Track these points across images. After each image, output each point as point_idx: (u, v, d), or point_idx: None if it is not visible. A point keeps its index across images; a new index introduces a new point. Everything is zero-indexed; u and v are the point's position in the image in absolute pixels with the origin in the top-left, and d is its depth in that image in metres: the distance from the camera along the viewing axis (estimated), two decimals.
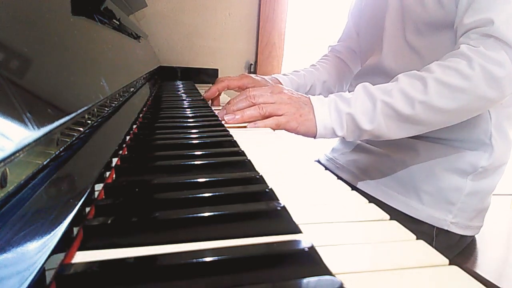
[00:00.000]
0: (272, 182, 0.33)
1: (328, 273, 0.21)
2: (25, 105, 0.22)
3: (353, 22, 0.98)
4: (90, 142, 0.35)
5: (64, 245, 0.22)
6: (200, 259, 0.21)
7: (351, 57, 1.00)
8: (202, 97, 0.86)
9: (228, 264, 0.21)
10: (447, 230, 0.72)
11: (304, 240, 0.23)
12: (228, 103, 0.67)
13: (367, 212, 0.30)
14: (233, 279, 0.20)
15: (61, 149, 0.27)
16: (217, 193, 0.30)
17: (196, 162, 0.37)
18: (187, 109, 0.70)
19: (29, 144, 0.21)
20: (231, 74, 0.84)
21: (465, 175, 0.71)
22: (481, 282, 0.20)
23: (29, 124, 0.22)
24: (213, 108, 0.74)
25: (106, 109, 0.44)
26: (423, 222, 0.73)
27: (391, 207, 0.75)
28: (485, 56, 0.58)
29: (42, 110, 0.25)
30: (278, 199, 0.30)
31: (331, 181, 0.37)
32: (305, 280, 0.20)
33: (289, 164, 0.42)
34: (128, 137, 0.48)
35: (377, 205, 0.30)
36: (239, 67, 1.52)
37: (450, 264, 0.22)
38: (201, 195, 0.29)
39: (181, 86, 1.15)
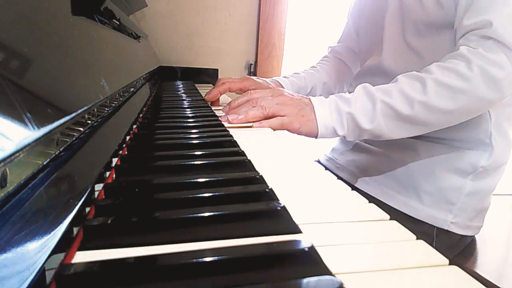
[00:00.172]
0: (272, 182, 0.33)
1: (328, 273, 0.21)
2: (25, 105, 0.22)
3: (353, 23, 0.98)
4: (90, 142, 0.35)
5: (64, 245, 0.22)
6: (200, 259, 0.21)
7: (351, 57, 1.00)
8: (202, 97, 0.86)
9: (228, 264, 0.21)
10: (447, 230, 0.72)
11: (304, 240, 0.23)
12: (229, 104, 0.67)
13: (367, 212, 0.30)
14: (233, 279, 0.20)
15: (61, 149, 0.27)
16: (217, 193, 0.30)
17: (196, 162, 0.37)
18: (187, 109, 0.70)
19: (29, 144, 0.21)
20: (231, 74, 0.85)
21: (465, 175, 0.71)
22: (481, 282, 0.20)
23: (29, 124, 0.22)
24: (213, 108, 0.74)
25: (106, 109, 0.44)
26: (423, 222, 0.73)
27: (391, 207, 0.75)
28: (484, 57, 0.58)
29: (42, 110, 0.25)
30: (278, 199, 0.30)
31: (331, 181, 0.37)
32: (305, 280, 0.20)
33: (289, 164, 0.42)
34: (128, 137, 0.48)
35: (377, 205, 0.30)
36: (239, 67, 1.52)
37: (450, 264, 0.22)
38: (201, 195, 0.29)
39: (181, 86, 1.15)
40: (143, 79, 0.84)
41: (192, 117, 0.63)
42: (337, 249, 0.24)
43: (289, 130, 0.64)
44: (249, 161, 0.39)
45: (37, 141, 0.23)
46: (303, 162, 0.42)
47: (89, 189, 0.28)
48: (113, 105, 0.48)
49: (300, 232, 0.25)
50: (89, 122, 0.36)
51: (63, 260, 0.21)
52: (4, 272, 0.16)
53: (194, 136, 0.50)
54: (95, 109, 0.38)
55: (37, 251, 0.18)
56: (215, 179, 0.33)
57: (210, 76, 1.39)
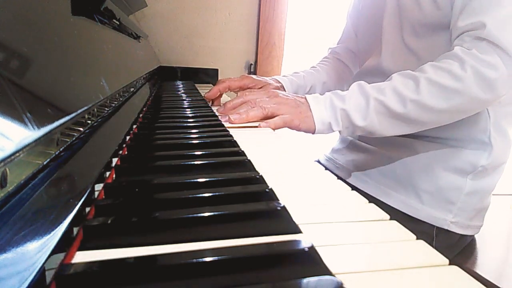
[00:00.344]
0: (272, 182, 0.33)
1: (328, 273, 0.21)
2: (25, 105, 0.22)
3: (352, 23, 0.98)
4: (90, 142, 0.35)
5: (64, 245, 0.22)
6: (200, 259, 0.21)
7: (350, 58, 1.00)
8: (202, 97, 0.86)
9: (228, 264, 0.21)
10: (447, 230, 0.72)
11: (304, 240, 0.23)
12: (224, 105, 0.68)
13: (367, 212, 0.30)
14: (233, 279, 0.20)
15: (61, 149, 0.27)
16: (217, 193, 0.30)
17: (196, 162, 0.37)
18: (187, 109, 0.70)
19: (29, 144, 0.21)
20: (231, 74, 0.85)
21: (464, 174, 0.71)
22: (481, 282, 0.20)
23: (29, 124, 0.22)
24: (213, 108, 0.74)
25: (106, 109, 0.44)
26: (423, 221, 0.73)
27: (391, 206, 0.76)
28: (478, 58, 0.59)
29: (42, 110, 0.25)
30: (278, 199, 0.30)
31: (331, 181, 0.37)
32: (305, 280, 0.20)
33: (289, 164, 0.42)
34: (128, 137, 0.48)
35: (376, 204, 0.30)
36: (239, 67, 1.52)
37: (450, 264, 0.22)
38: (201, 195, 0.29)
39: (181, 86, 1.15)
40: (143, 79, 0.84)
41: (192, 117, 0.63)
42: (337, 249, 0.24)
43: (290, 127, 0.65)
44: (249, 161, 0.39)
45: (37, 141, 0.23)
46: (303, 162, 0.42)
47: (89, 189, 0.28)
48: (113, 105, 0.48)
49: (300, 232, 0.25)
50: (89, 122, 0.36)
51: (63, 260, 0.21)
52: (4, 272, 0.16)
53: (194, 136, 0.50)
54: (95, 109, 0.38)
55: (37, 251, 0.18)
56: (215, 179, 0.33)
57: (210, 76, 1.39)
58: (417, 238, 0.25)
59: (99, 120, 0.40)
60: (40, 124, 0.23)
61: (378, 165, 0.81)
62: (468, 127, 0.70)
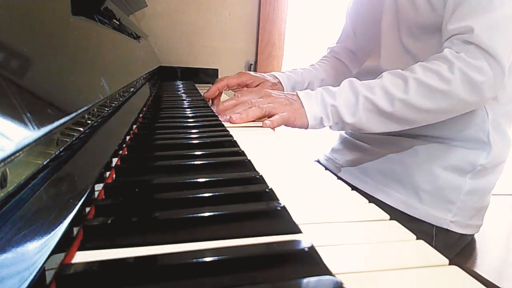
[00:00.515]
0: (272, 182, 0.33)
1: (328, 273, 0.21)
2: (25, 105, 0.22)
3: (351, 22, 0.98)
4: (90, 142, 0.35)
5: (64, 245, 0.22)
6: (200, 259, 0.21)
7: (349, 58, 1.00)
8: (202, 97, 0.86)
9: (228, 264, 0.21)
10: (446, 229, 0.72)
11: (304, 240, 0.23)
12: (218, 106, 0.68)
13: (367, 212, 0.30)
14: (233, 279, 0.20)
15: (61, 149, 0.27)
16: (217, 193, 0.30)
17: (196, 162, 0.37)
18: (187, 109, 0.70)
19: (29, 144, 0.21)
20: (231, 74, 0.85)
21: (464, 174, 0.71)
22: (481, 282, 0.20)
23: (29, 124, 0.22)
24: (213, 108, 0.74)
25: (106, 109, 0.44)
26: (422, 221, 0.73)
27: (390, 206, 0.76)
28: (466, 62, 0.60)
29: (42, 110, 0.25)
30: (278, 199, 0.30)
31: (331, 181, 0.37)
32: (305, 280, 0.20)
33: (289, 164, 0.42)
34: (128, 137, 0.48)
35: (376, 204, 0.30)
36: (239, 67, 1.52)
37: (450, 264, 0.22)
38: (201, 195, 0.29)
39: (181, 86, 1.15)
40: (143, 79, 0.84)
41: (192, 117, 0.63)
42: (337, 249, 0.24)
43: (287, 124, 0.66)
44: (249, 161, 0.39)
45: (37, 141, 0.23)
46: (303, 162, 0.42)
47: (89, 189, 0.28)
48: (113, 105, 0.48)
49: (300, 232, 0.25)
50: (89, 122, 0.36)
51: (63, 260, 0.21)
52: (4, 272, 0.16)
53: (194, 136, 0.50)
54: (95, 109, 0.38)
55: (37, 251, 0.18)
56: (215, 179, 0.33)
57: (210, 76, 1.39)
58: (417, 238, 0.25)
59: (99, 120, 0.40)
60: (40, 124, 0.23)
61: (377, 165, 0.81)
62: (467, 127, 0.70)
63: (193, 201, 0.29)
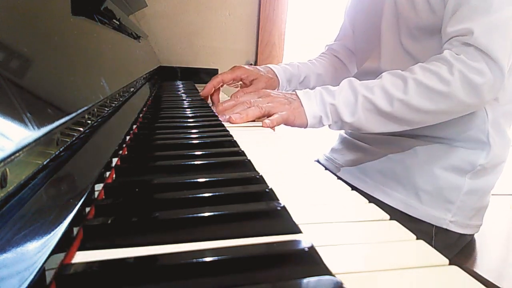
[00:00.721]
0: (272, 182, 0.33)
1: (328, 273, 0.21)
2: (25, 105, 0.22)
3: (349, 20, 0.98)
4: (90, 142, 0.35)
5: (64, 245, 0.22)
6: (200, 259, 0.21)
7: (347, 56, 1.00)
8: (202, 97, 0.86)
9: (228, 264, 0.21)
10: (446, 229, 0.72)
11: (304, 240, 0.23)
12: (217, 106, 0.68)
13: (367, 212, 0.30)
14: (233, 279, 0.20)
15: (61, 149, 0.27)
16: (217, 193, 0.30)
17: (196, 162, 0.37)
18: (187, 109, 0.70)
19: (29, 144, 0.21)
20: None
21: (463, 174, 0.71)
22: (481, 282, 0.20)
23: (29, 124, 0.22)
24: (213, 108, 0.74)
25: (106, 109, 0.44)
26: (422, 221, 0.73)
27: (390, 206, 0.76)
28: (466, 63, 0.60)
29: (42, 110, 0.25)
30: (278, 199, 0.30)
31: (331, 181, 0.37)
32: (305, 280, 0.20)
33: (289, 164, 0.42)
34: (128, 137, 0.48)
35: (376, 204, 0.30)
36: None
37: (450, 264, 0.22)
38: (201, 195, 0.29)
39: (181, 86, 1.15)
40: (143, 79, 0.84)
41: (192, 117, 0.63)
42: (337, 249, 0.24)
43: (286, 124, 0.66)
44: (249, 161, 0.39)
45: (37, 141, 0.23)
46: (303, 162, 0.42)
47: (89, 189, 0.28)
48: (113, 105, 0.48)
49: (300, 232, 0.25)
50: (89, 122, 0.36)
51: (63, 260, 0.21)
52: (4, 272, 0.16)
53: (194, 136, 0.50)
54: (95, 109, 0.38)
55: (37, 251, 0.18)
56: (215, 179, 0.33)
57: (210, 76, 1.38)
58: (417, 238, 0.25)
59: (99, 120, 0.40)
60: (40, 124, 0.23)
61: (377, 165, 0.81)
62: (467, 127, 0.70)
63: (193, 201, 0.29)
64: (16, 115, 0.21)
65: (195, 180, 0.33)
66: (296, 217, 0.27)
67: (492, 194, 0.75)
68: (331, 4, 1.67)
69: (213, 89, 0.82)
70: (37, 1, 0.32)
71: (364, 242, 0.25)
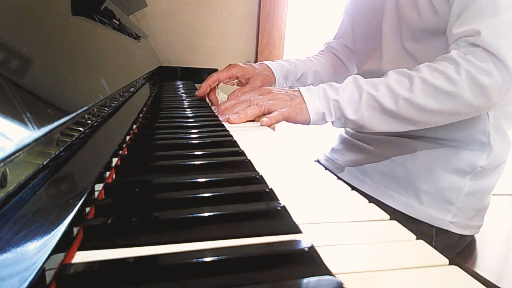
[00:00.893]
0: (272, 182, 0.33)
1: (328, 273, 0.21)
2: (25, 105, 0.22)
3: (348, 19, 0.98)
4: (90, 142, 0.35)
5: (64, 245, 0.22)
6: (200, 259, 0.21)
7: (346, 54, 1.00)
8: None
9: (228, 264, 0.21)
10: (446, 230, 0.72)
11: (304, 240, 0.23)
12: (218, 106, 0.68)
13: (367, 212, 0.30)
14: (233, 279, 0.20)
15: (61, 149, 0.27)
16: (217, 193, 0.30)
17: (196, 162, 0.37)
18: (187, 109, 0.70)
19: (29, 144, 0.21)
20: None
21: (464, 175, 0.71)
22: (481, 282, 0.20)
23: (29, 124, 0.22)
24: (213, 108, 0.74)
25: (106, 109, 0.44)
26: (422, 222, 0.73)
27: (390, 207, 0.76)
28: (473, 64, 0.59)
29: (42, 110, 0.25)
30: (278, 199, 0.30)
31: (331, 181, 0.37)
32: (305, 280, 0.20)
33: (289, 164, 0.42)
34: (128, 137, 0.48)
35: (376, 205, 0.30)
36: None
37: (450, 264, 0.22)
38: (201, 195, 0.29)
39: (181, 86, 1.15)
40: (143, 79, 0.84)
41: (192, 117, 0.63)
42: (337, 249, 0.24)
43: (288, 121, 0.66)
44: (249, 161, 0.39)
45: (37, 141, 0.23)
46: (303, 162, 0.42)
47: (89, 189, 0.28)
48: (113, 105, 0.48)
49: (300, 232, 0.25)
50: (89, 122, 0.36)
51: (63, 260, 0.21)
52: (4, 272, 0.16)
53: (194, 136, 0.50)
54: (95, 109, 0.38)
55: (37, 251, 0.18)
56: (215, 179, 0.33)
57: None
58: (417, 238, 0.25)
59: (99, 120, 0.40)
60: (40, 124, 0.23)
61: (377, 166, 0.81)
62: (468, 128, 0.70)
63: (193, 201, 0.29)
64: (16, 115, 0.21)
65: (195, 180, 0.33)
66: (296, 217, 0.27)
67: (493, 194, 0.75)
68: (331, 4, 1.67)
69: (209, 88, 0.81)
70: (37, 1, 0.32)
71: (364, 242, 0.25)
